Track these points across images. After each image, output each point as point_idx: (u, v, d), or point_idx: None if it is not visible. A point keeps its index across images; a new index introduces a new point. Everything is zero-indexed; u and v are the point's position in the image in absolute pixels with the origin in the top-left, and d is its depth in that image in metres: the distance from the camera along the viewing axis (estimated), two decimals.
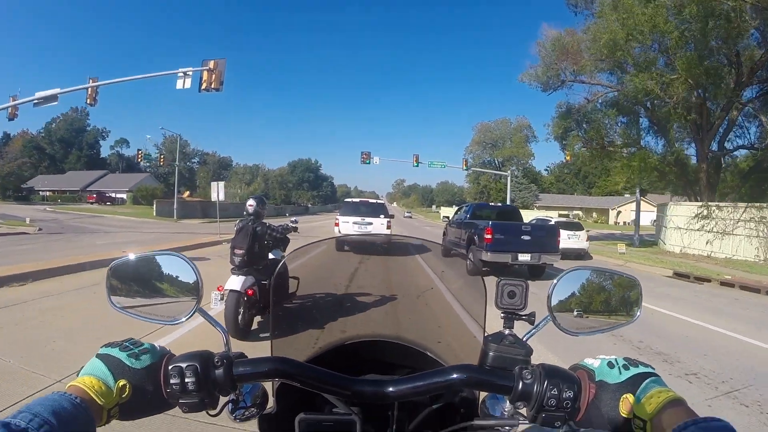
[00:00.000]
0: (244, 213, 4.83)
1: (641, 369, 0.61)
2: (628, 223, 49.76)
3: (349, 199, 15.35)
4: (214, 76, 16.01)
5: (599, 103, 21.35)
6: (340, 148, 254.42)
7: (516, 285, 0.73)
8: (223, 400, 0.66)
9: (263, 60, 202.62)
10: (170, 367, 0.61)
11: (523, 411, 0.64)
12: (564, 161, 34.60)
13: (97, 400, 0.55)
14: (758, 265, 13.60)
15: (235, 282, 4.38)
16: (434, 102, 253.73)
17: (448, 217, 14.89)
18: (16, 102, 16.84)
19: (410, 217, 63.18)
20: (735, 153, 20.87)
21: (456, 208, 18.07)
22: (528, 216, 17.47)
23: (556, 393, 0.59)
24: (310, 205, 77.45)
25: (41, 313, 5.24)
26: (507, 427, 0.70)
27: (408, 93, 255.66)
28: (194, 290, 0.72)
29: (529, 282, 0.76)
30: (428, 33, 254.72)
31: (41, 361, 3.67)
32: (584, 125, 21.88)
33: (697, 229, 16.67)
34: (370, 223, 12.79)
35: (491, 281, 0.79)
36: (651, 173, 19.50)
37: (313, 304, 1.26)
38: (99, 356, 0.61)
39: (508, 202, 30.79)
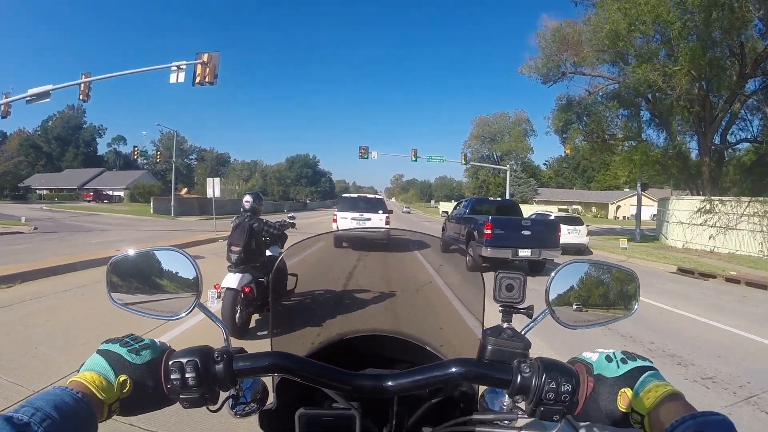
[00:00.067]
0: (241, 209, 4.74)
1: (639, 363, 0.60)
2: (628, 218, 49.58)
3: (347, 195, 14.68)
4: (208, 69, 15.71)
5: (600, 96, 21.14)
6: (338, 143, 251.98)
7: (514, 278, 0.73)
8: (223, 395, 0.66)
9: (260, 55, 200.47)
10: (170, 363, 0.60)
11: (522, 405, 0.63)
12: (563, 155, 34.46)
13: (98, 395, 0.55)
14: (762, 261, 13.42)
15: (232, 280, 4.32)
16: (432, 96, 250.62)
17: (446, 212, 14.66)
18: (9, 99, 16.63)
19: (409, 212, 62.81)
20: (738, 146, 20.70)
21: (455, 203, 17.83)
22: (527, 211, 17.28)
23: (555, 386, 0.58)
24: (308, 201, 77.21)
25: (26, 316, 5.04)
26: (506, 421, 0.69)
27: (406, 87, 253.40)
28: (194, 286, 0.72)
29: (530, 278, 0.76)
30: (426, 26, 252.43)
31: (22, 369, 3.47)
32: (585, 118, 21.65)
33: (700, 224, 16.42)
34: (369, 219, 12.54)
35: (489, 276, 0.76)
36: (653, 167, 19.32)
37: (311, 300, 1.25)
38: (100, 352, 0.60)
39: (507, 197, 30.57)
